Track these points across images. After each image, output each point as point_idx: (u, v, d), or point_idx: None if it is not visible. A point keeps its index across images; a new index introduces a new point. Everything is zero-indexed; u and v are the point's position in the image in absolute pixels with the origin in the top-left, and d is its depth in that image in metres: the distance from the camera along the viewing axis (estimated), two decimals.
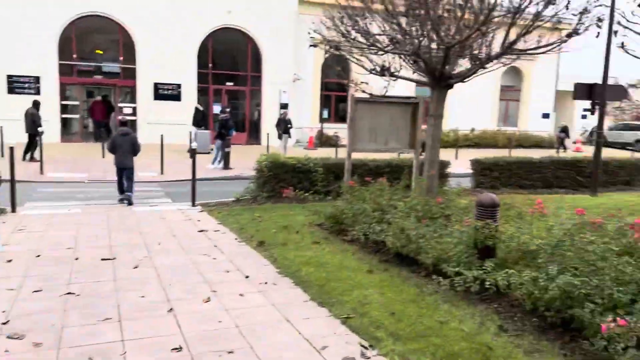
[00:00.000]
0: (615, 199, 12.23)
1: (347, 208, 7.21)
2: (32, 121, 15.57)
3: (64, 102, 21.27)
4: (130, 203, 10.19)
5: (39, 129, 14.84)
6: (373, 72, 7.47)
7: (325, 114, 25.59)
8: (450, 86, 7.01)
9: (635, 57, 3.49)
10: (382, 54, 7.58)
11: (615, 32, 4.72)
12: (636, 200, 11.94)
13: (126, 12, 20.60)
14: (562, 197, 12.25)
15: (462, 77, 6.85)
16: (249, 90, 23.76)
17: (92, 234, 7.41)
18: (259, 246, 6.92)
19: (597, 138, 12.99)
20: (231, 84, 23.83)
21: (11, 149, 9.17)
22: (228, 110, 18.31)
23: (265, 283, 5.40)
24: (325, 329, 4.23)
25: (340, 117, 26.27)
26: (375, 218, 6.55)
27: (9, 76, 19.69)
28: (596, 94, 12.49)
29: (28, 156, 15.59)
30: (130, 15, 20.66)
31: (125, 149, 10.18)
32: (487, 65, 6.75)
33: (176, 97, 22.02)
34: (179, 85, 21.96)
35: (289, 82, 23.42)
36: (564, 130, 26.98)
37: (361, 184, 8.15)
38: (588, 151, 25.38)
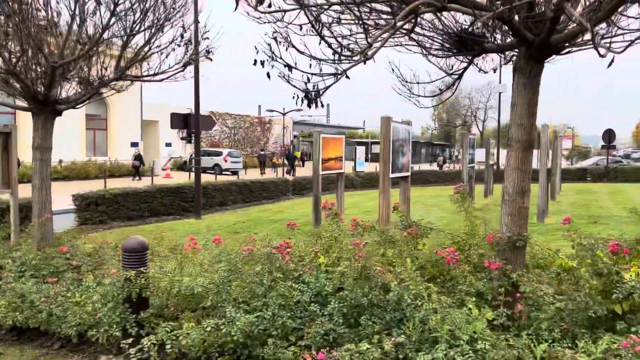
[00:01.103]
0: (218, 220, 13.29)
1: None
2: None
3: None
4: None
5: None
6: None
7: None
8: (59, 113, 5.94)
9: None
10: None
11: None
12: (233, 219, 13.31)
13: None
14: (174, 223, 12.48)
15: (73, 102, 5.90)
16: None
17: None
18: None
19: (196, 165, 13.83)
20: None
21: None
22: None
23: None
24: None
25: None
26: None
27: None
28: (191, 124, 13.29)
29: None
30: None
31: None
32: (103, 90, 6.04)
33: None
34: None
35: None
36: (138, 158, 27.51)
37: None
38: (177, 177, 27.20)
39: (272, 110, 45.01)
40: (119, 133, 31.13)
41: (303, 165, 46.66)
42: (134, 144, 31.17)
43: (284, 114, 43.98)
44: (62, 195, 13.19)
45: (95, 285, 4.50)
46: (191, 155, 35.77)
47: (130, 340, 3.71)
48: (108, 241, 6.58)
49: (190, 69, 6.85)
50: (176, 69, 6.21)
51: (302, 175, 24.13)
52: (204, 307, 3.80)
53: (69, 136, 27.08)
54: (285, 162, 38.15)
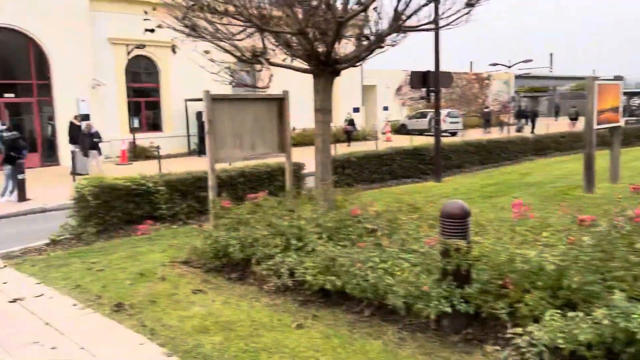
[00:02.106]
0: (461, 182, 12.54)
1: (231, 237, 5.51)
2: None
3: None
4: None
5: None
6: (242, 59, 5.86)
7: (136, 123, 22.60)
8: (338, 73, 5.81)
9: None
10: (242, 38, 6.00)
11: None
12: (478, 182, 12.40)
13: None
14: (415, 186, 12.14)
15: (351, 60, 5.69)
16: (36, 101, 19.62)
17: None
18: (117, 312, 4.83)
19: (435, 125, 13.21)
20: (11, 95, 19.38)
21: None
22: (4, 126, 14.58)
23: None
24: None
25: (152, 125, 23.53)
26: (279, 247, 5.00)
27: None
28: (430, 81, 12.64)
29: None
30: None
31: None
32: (382, 45, 5.72)
33: None
34: None
35: (88, 89, 19.97)
36: (351, 123, 28.44)
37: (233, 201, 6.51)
38: (397, 140, 27.06)
39: (495, 64, 41.77)
40: (342, 99, 32.24)
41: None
42: (356, 110, 32.02)
43: (509, 67, 40.58)
44: (302, 159, 13.87)
45: (403, 252, 4.15)
46: (431, 117, 35.46)
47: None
48: (371, 203, 6.35)
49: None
50: (459, 13, 5.50)
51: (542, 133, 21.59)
52: (562, 288, 3.10)
53: (303, 105, 28.95)
54: (515, 119, 35.28)
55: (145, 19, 5.84)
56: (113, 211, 8.31)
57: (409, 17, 5.44)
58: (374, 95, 37.00)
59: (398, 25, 5.48)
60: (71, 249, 7.61)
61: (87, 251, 7.38)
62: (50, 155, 19.85)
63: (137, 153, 21.04)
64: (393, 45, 5.96)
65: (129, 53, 20.72)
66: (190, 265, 6.16)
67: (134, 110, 22.55)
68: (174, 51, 5.74)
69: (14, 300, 5.37)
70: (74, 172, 15.51)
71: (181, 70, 22.68)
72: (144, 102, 23.25)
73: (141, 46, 20.02)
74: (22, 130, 18.82)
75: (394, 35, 5.74)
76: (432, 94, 12.64)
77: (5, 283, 6.09)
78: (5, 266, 6.94)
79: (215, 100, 6.73)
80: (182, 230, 8.32)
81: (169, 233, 8.13)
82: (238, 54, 5.87)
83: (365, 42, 5.66)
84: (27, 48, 18.88)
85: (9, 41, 18.54)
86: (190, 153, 23.44)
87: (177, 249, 6.93)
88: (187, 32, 5.60)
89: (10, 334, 4.46)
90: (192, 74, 22.81)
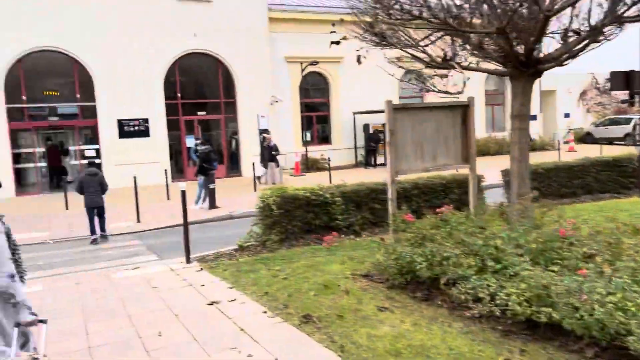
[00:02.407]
0: None
1: (416, 253, 5.20)
2: None
3: (16, 151, 18.73)
4: (105, 238, 10.49)
5: None
6: (431, 65, 5.57)
7: (308, 137, 23.68)
8: (539, 74, 5.20)
9: None
10: (426, 45, 5.68)
11: None
12: None
13: (79, 44, 18.33)
14: (617, 202, 10.58)
15: (557, 58, 5.03)
16: (223, 118, 21.66)
17: (60, 328, 5.16)
18: (305, 323, 4.82)
19: None
20: (203, 113, 21.69)
21: None
22: (199, 141, 16.24)
23: None
24: None
25: (322, 139, 24.44)
26: (473, 268, 4.55)
27: None
28: (636, 82, 10.96)
29: None
30: (84, 48, 18.40)
31: (94, 188, 10.24)
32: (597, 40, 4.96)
33: (144, 133, 19.74)
34: (145, 120, 19.70)
35: (267, 106, 21.45)
36: None
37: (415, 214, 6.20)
38: (582, 151, 24.20)
39: None
40: None
41: None
42: (532, 117, 29.60)
43: None
44: (483, 170, 12.99)
45: (635, 283, 3.42)
46: (595, 124, 31.66)
47: None
48: (574, 221, 5.50)
49: None
50: None
51: None
52: None
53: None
54: None
55: (331, 32, 5.87)
56: (294, 220, 8.58)
57: (630, 6, 4.61)
58: (553, 101, 33.86)
59: (618, 15, 4.68)
60: (257, 256, 8.00)
61: (272, 258, 7.68)
62: (233, 167, 21.71)
63: (309, 165, 21.98)
64: (609, 40, 5.13)
65: (303, 70, 21.81)
66: (371, 280, 5.99)
67: (306, 124, 23.66)
68: (358, 62, 5.66)
69: (212, 303, 5.72)
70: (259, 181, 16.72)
71: (349, 84, 23.25)
72: (314, 117, 24.26)
73: (315, 62, 20.94)
74: (212, 144, 20.90)
75: (610, 27, 4.93)
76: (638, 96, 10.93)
77: (202, 285, 6.57)
78: (201, 269, 7.53)
79: (397, 110, 6.52)
80: (360, 242, 8.25)
81: (346, 244, 8.12)
82: (427, 59, 5.58)
83: (572, 38, 4.95)
84: (217, 70, 20.95)
85: (202, 64, 20.79)
86: (356, 164, 23.82)
87: (358, 261, 6.84)
88: (377, 40, 5.48)
89: (210, 336, 4.69)
90: (359, 88, 23.38)
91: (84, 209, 10.45)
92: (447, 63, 5.32)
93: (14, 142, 18.55)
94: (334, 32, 5.90)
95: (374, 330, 4.42)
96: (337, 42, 6.02)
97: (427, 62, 5.68)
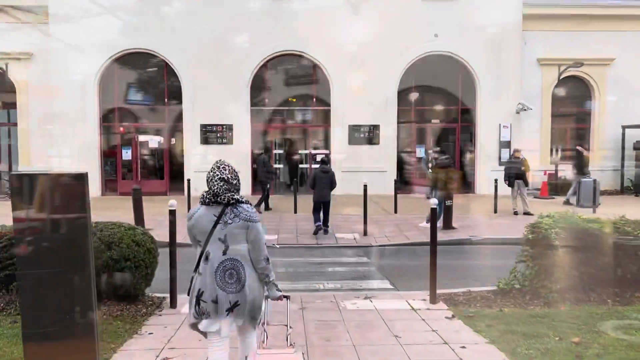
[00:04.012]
0: None
1: None
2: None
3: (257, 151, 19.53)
4: (326, 232, 10.88)
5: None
6: None
7: (559, 153, 19.96)
8: None
9: None
10: None
11: None
12: None
13: (319, 49, 18.18)
14: None
15: None
16: (459, 127, 19.49)
17: None
18: None
19: None
20: (437, 121, 19.85)
21: (171, 212, 6.20)
22: (436, 150, 14.40)
23: None
24: None
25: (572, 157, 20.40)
26: None
27: (202, 125, 18.50)
28: None
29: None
30: (323, 52, 18.20)
31: (324, 183, 10.71)
32: None
33: (373, 141, 18.77)
34: (376, 127, 18.69)
35: (511, 115, 18.59)
36: None
37: None
38: None
39: None
40: None
41: None
42: None
43: None
44: None
45: None
46: None
47: None
48: None
49: None
50: None
51: None
52: None
53: None
54: None
55: None
56: (585, 265, 6.09)
57: None
58: None
59: None
60: (527, 308, 5.82)
61: (553, 317, 5.40)
62: (465, 182, 19.35)
63: (558, 186, 18.40)
64: None
65: (560, 74, 18.38)
66: None
67: (558, 138, 20.03)
68: None
69: None
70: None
71: (619, 91, 18.91)
72: (568, 129, 20.44)
73: (579, 64, 17.35)
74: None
75: None
76: None
77: (463, 348, 4.65)
78: (453, 316, 5.64)
79: None
80: None
81: None
82: None
83: None
84: (457, 74, 18.89)
85: (440, 67, 18.89)
86: (621, 191, 19.28)
87: None
88: None
89: None
90: (634, 96, 18.81)
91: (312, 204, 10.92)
92: None
93: (254, 144, 19.27)
94: None
95: None
96: None
97: None
